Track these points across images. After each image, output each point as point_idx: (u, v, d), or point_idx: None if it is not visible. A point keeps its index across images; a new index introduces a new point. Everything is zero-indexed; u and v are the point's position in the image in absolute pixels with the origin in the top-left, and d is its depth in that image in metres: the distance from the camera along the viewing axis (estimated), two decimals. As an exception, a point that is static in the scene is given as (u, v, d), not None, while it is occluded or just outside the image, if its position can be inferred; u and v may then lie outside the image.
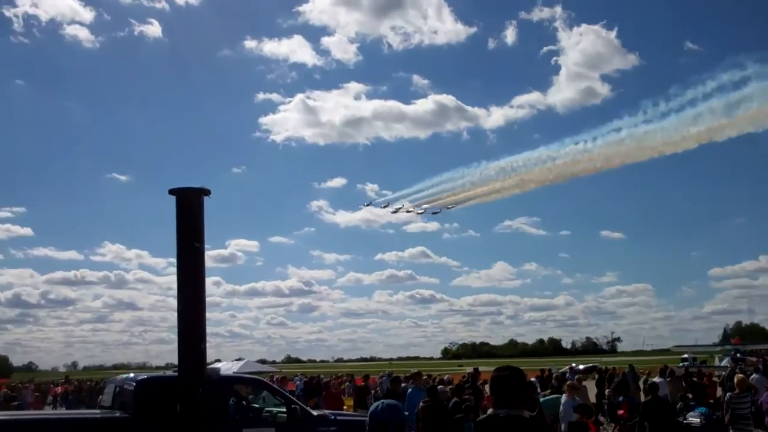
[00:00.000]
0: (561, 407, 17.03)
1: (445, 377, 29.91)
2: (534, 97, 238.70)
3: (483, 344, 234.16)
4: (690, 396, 20.61)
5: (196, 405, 6.19)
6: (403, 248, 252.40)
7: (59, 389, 50.66)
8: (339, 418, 15.21)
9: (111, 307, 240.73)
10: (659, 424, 14.53)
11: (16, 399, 34.76)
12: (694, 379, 28.90)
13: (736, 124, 38.56)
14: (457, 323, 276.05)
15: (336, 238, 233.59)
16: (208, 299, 6.69)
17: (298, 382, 40.27)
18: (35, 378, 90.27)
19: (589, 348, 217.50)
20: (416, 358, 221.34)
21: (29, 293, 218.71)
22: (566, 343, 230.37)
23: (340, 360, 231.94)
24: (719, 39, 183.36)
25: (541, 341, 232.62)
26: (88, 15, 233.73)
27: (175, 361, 6.97)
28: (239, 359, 61.58)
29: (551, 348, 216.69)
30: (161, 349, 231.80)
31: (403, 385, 21.83)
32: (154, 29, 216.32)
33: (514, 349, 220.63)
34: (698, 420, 17.36)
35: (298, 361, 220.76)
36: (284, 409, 14.04)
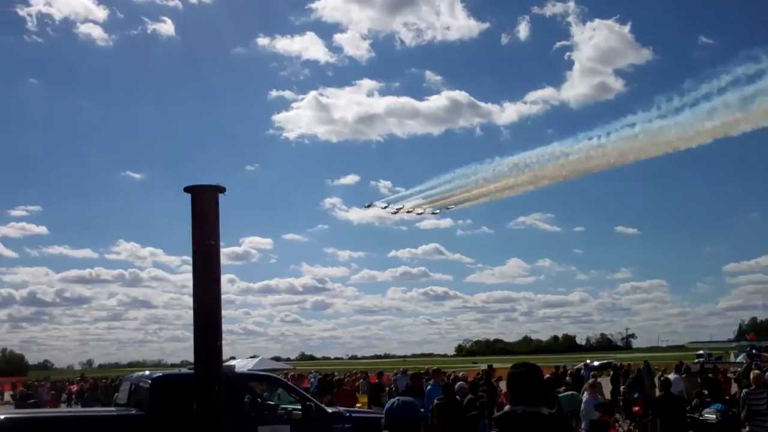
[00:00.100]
0: (582, 405, 17.02)
1: (460, 374, 29.89)
2: (547, 92, 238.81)
3: (497, 341, 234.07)
4: (706, 392, 20.52)
5: (213, 402, 6.18)
6: (416, 245, 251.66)
7: (75, 387, 50.88)
8: (354, 415, 15.22)
9: (126, 305, 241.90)
10: (671, 421, 14.47)
11: (32, 397, 34.90)
12: (710, 375, 28.78)
13: (751, 118, 38.29)
14: (471, 320, 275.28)
15: (349, 235, 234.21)
16: (222, 297, 6.69)
17: (312, 380, 40.30)
18: (51, 376, 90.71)
19: (604, 344, 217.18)
20: (430, 355, 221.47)
21: (44, 291, 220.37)
22: (581, 340, 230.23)
23: (354, 357, 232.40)
24: (733, 33, 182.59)
25: (555, 338, 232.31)
26: (101, 13, 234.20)
27: (190, 358, 6.99)
28: (253, 357, 61.89)
29: (565, 344, 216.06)
30: (176, 347, 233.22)
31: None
32: (167, 27, 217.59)
33: (528, 345, 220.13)
34: (714, 416, 17.29)
35: (312, 358, 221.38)
36: (299, 407, 14.06)
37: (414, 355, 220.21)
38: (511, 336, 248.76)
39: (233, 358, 55.03)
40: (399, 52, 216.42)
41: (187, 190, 6.42)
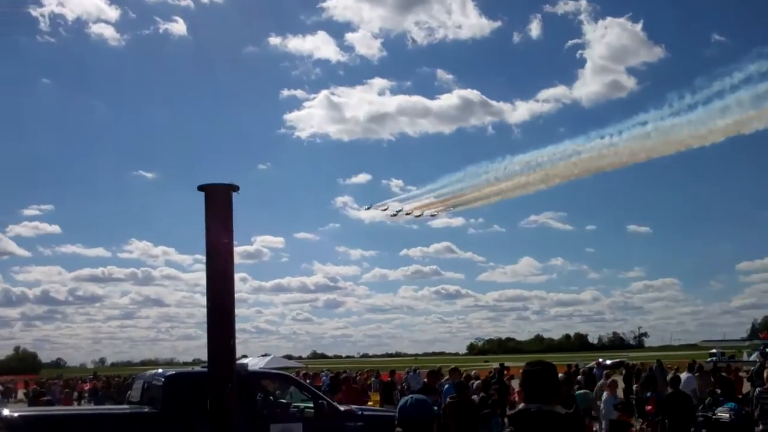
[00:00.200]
0: (602, 404, 17.02)
1: (472, 373, 29.89)
2: (559, 91, 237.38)
3: (509, 340, 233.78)
4: (719, 391, 20.45)
5: (226, 400, 6.20)
6: (428, 244, 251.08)
7: (87, 385, 51.08)
8: (366, 413, 15.25)
9: (138, 304, 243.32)
10: (680, 419, 14.45)
11: (46, 394, 35.05)
12: (723, 374, 28.67)
13: (764, 116, 38.19)
14: (483, 319, 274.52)
15: (361, 233, 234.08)
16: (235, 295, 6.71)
17: (324, 378, 40.39)
18: (64, 374, 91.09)
19: (616, 343, 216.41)
20: (441, 353, 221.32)
21: (57, 290, 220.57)
22: (593, 339, 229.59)
23: (365, 355, 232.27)
24: (746, 30, 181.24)
25: (567, 336, 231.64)
26: (113, 13, 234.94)
27: (202, 357, 7.02)
28: (265, 355, 61.96)
29: (577, 343, 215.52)
30: (188, 345, 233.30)
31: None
32: (179, 27, 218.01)
33: (540, 344, 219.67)
34: (727, 415, 17.23)
35: (323, 356, 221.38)
36: (311, 405, 14.09)
37: (425, 354, 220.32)
38: (523, 335, 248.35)
39: (245, 356, 55.09)
40: (410, 50, 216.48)
41: (200, 188, 6.44)
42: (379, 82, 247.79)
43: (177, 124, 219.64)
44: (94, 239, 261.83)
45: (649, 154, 46.71)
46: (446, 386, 18.81)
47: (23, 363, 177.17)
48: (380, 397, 28.32)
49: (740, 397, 21.05)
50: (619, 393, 20.03)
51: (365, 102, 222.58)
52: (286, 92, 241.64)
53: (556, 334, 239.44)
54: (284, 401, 15.58)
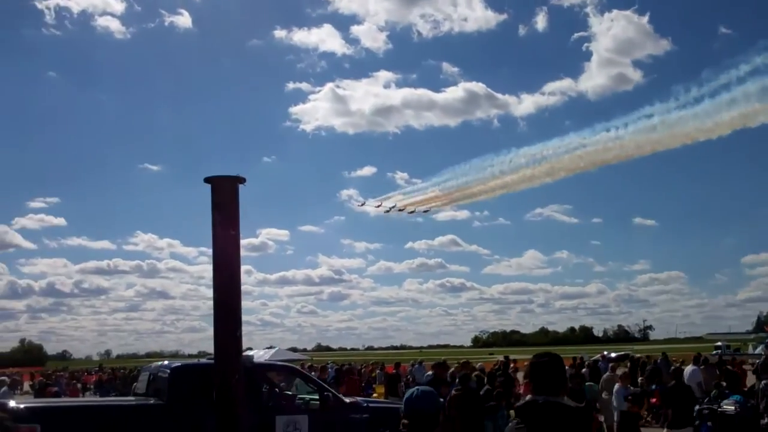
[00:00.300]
0: (614, 395, 17.06)
1: (477, 365, 29.89)
2: (565, 83, 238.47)
3: (514, 332, 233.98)
4: (724, 384, 20.42)
5: (233, 392, 6.21)
6: (433, 237, 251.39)
7: (93, 377, 51.20)
8: (371, 405, 15.28)
9: (143, 296, 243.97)
10: (682, 410, 14.45)
11: (53, 385, 35.13)
12: (729, 367, 28.62)
13: (770, 109, 38.06)
14: (488, 311, 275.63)
15: (366, 226, 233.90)
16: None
17: (330, 370, 40.45)
18: (69, 366, 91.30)
19: (621, 336, 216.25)
20: (446, 346, 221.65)
21: (63, 282, 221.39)
22: (598, 331, 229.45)
23: (370, 348, 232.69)
24: (753, 23, 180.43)
25: (572, 329, 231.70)
26: (119, 6, 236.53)
27: (208, 349, 7.03)
28: (270, 347, 62.04)
29: (582, 336, 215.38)
30: (193, 338, 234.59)
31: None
32: (184, 20, 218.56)
33: (545, 337, 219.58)
34: (733, 408, 17.18)
35: (328, 349, 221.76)
36: (317, 397, 14.11)
37: (430, 346, 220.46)
38: (528, 327, 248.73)
39: (250, 348, 55.12)
40: (416, 43, 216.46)
41: (207, 180, 6.44)
42: (384, 75, 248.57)
43: (182, 117, 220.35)
44: (100, 232, 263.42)
45: (654, 147, 46.65)
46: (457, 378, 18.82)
47: (29, 355, 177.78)
48: (385, 390, 28.37)
49: (745, 390, 21.02)
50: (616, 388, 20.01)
51: (371, 95, 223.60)
52: (291, 85, 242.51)
53: (561, 327, 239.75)
54: (290, 393, 15.62)
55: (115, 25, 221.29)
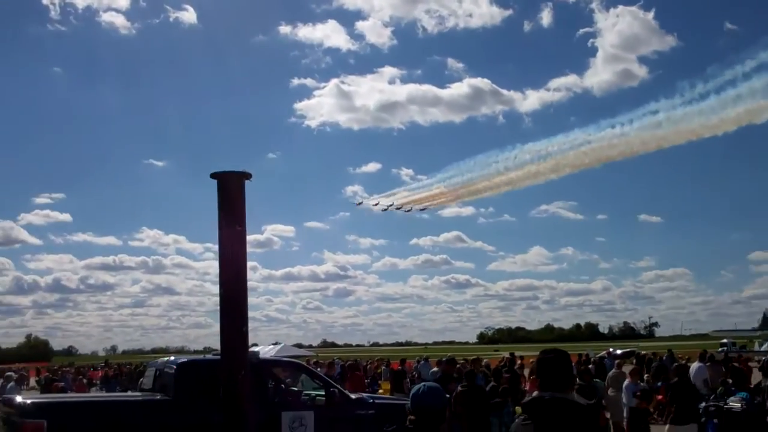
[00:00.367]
0: (623, 391, 17.06)
1: (483, 362, 29.89)
2: (570, 79, 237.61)
3: (519, 329, 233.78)
4: (730, 381, 20.40)
5: (239, 388, 6.23)
6: (438, 233, 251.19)
7: (99, 373, 51.33)
8: (377, 401, 15.28)
9: (149, 292, 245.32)
10: (685, 407, 14.45)
11: (59, 381, 35.21)
12: (735, 364, 28.61)
13: (776, 105, 37.96)
14: (493, 308, 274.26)
15: (371, 222, 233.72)
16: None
17: (337, 367, 40.49)
18: (75, 362, 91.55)
19: (627, 333, 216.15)
20: (452, 342, 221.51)
21: (69, 278, 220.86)
22: (603, 328, 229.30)
23: (375, 344, 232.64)
24: (758, 19, 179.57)
25: (577, 326, 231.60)
26: (123, 2, 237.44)
27: (213, 345, 7.06)
28: (276, 343, 62.06)
29: (588, 333, 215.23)
30: (199, 333, 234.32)
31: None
32: (189, 15, 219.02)
33: (550, 334, 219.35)
34: (739, 405, 17.18)
35: (333, 345, 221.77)
36: (323, 392, 14.12)
37: (435, 343, 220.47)
38: (533, 324, 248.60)
39: (255, 344, 55.15)
40: (421, 39, 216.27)
41: (213, 176, 6.44)
42: (389, 71, 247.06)
43: (187, 112, 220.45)
44: (105, 228, 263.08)
45: (660, 143, 46.53)
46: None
47: (35, 351, 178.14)
48: (390, 386, 28.40)
49: (751, 387, 21.00)
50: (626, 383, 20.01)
51: (375, 91, 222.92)
52: (296, 81, 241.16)
53: (566, 324, 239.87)
54: (295, 389, 15.63)
55: (120, 20, 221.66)
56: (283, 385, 15.38)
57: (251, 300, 6.58)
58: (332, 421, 13.65)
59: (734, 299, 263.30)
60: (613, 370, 20.78)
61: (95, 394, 29.10)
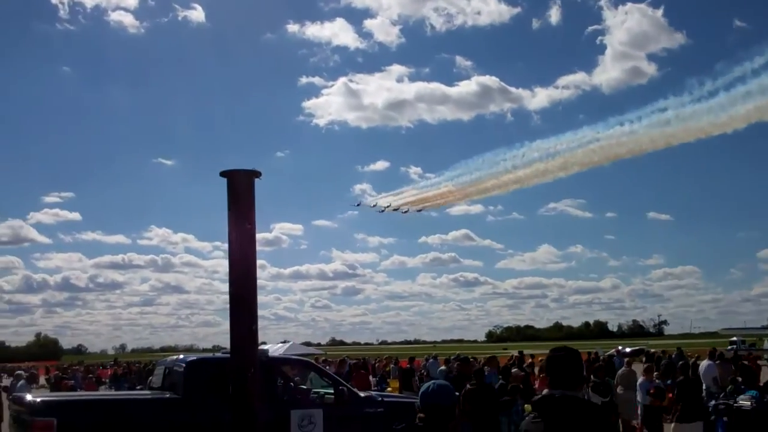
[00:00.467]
0: (637, 388, 17.06)
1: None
2: (579, 77, 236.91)
3: (528, 327, 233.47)
4: (740, 379, 20.35)
5: (248, 386, 6.23)
6: (446, 231, 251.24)
7: (108, 371, 51.46)
8: (386, 399, 15.28)
9: (158, 291, 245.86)
10: (690, 405, 14.44)
11: (69, 379, 35.35)
12: (744, 362, 28.53)
13: (786, 102, 37.81)
14: (502, 306, 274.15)
15: (379, 221, 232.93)
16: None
17: (348, 365, 40.55)
18: (85, 360, 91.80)
19: (636, 331, 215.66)
20: (460, 341, 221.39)
21: (78, 277, 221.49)
22: (612, 326, 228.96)
23: (384, 342, 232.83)
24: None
25: (586, 324, 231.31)
26: (132, 1, 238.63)
27: (222, 343, 7.08)
28: (285, 342, 62.06)
29: (597, 331, 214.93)
30: (208, 332, 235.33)
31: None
32: (197, 14, 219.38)
33: (559, 332, 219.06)
34: (749, 403, 17.14)
35: (342, 343, 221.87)
36: (332, 391, 14.12)
37: (444, 341, 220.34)
38: (542, 322, 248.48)
39: (264, 343, 54.96)
40: (429, 37, 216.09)
41: (223, 174, 6.45)
42: (397, 69, 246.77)
43: (196, 111, 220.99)
44: (114, 226, 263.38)
45: (669, 141, 46.37)
46: (485, 374, 18.87)
47: (44, 349, 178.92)
48: (399, 384, 28.42)
49: (761, 385, 20.93)
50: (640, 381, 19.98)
51: (384, 89, 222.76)
52: (304, 79, 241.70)
53: (575, 322, 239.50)
54: (304, 387, 15.64)
55: (128, 19, 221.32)
56: (292, 384, 15.40)
57: (260, 298, 6.59)
58: (341, 420, 13.65)
59: (743, 297, 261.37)
60: (623, 368, 20.74)
61: (105, 393, 29.18)
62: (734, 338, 79.68)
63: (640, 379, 17.18)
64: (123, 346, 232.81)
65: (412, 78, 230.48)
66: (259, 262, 6.46)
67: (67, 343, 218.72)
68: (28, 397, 13.79)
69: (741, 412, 16.86)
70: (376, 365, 45.08)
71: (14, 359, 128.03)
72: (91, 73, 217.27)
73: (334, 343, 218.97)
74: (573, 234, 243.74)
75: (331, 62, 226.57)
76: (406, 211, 66.59)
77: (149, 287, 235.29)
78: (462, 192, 60.80)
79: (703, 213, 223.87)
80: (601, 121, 49.37)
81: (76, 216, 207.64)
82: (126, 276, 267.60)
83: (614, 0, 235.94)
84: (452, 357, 36.67)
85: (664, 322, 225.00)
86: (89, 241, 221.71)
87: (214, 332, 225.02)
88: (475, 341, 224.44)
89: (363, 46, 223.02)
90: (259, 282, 6.58)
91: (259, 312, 6.53)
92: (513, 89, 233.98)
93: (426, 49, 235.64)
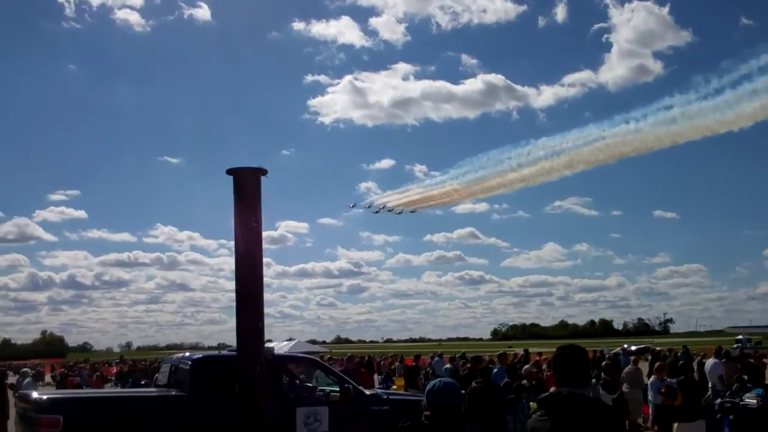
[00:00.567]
0: (649, 387, 17.04)
1: (495, 359, 29.84)
2: (585, 75, 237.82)
3: (533, 325, 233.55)
4: (746, 377, 20.31)
5: (255, 383, 6.23)
6: (451, 229, 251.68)
7: (114, 369, 51.52)
8: (392, 397, 15.29)
9: (164, 288, 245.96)
10: (691, 404, 14.42)
11: (75, 376, 35.39)
12: (750, 360, 28.47)
13: (793, 100, 37.68)
14: (507, 304, 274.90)
15: (384, 219, 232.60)
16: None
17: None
18: (90, 358, 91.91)
19: (641, 329, 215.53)
20: (465, 339, 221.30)
21: (84, 275, 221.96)
22: (618, 325, 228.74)
23: (389, 340, 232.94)
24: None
25: (592, 322, 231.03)
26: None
27: (227, 341, 7.08)
28: (290, 339, 62.13)
29: (602, 329, 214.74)
30: (213, 330, 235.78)
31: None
32: (203, 12, 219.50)
33: (564, 330, 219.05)
34: (755, 401, 17.12)
35: (347, 341, 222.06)
36: (337, 388, 14.13)
37: (449, 339, 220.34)
38: (548, 320, 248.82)
39: (269, 340, 55.00)
40: (435, 35, 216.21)
41: (229, 172, 6.45)
42: (403, 67, 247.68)
43: (201, 109, 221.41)
44: (120, 224, 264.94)
45: (675, 139, 46.20)
46: (495, 370, 18.89)
47: (50, 347, 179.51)
48: (405, 382, 28.43)
49: (766, 383, 20.89)
50: (645, 379, 19.94)
51: (389, 87, 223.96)
52: (309, 77, 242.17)
53: (580, 320, 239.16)
54: (310, 385, 15.66)
55: (134, 17, 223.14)
56: (297, 381, 15.43)
57: (265, 296, 6.59)
58: (347, 417, 13.67)
59: (749, 295, 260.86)
60: (629, 366, 20.69)
61: (111, 390, 29.24)
62: (740, 336, 79.67)
63: (652, 378, 17.15)
64: (129, 344, 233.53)
65: (418, 76, 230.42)
66: (264, 259, 6.46)
67: (72, 340, 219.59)
68: (35, 394, 13.82)
69: (747, 410, 16.84)
70: (382, 363, 45.10)
71: (20, 357, 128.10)
72: (97, 71, 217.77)
73: (339, 340, 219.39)
74: (579, 232, 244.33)
75: (336, 60, 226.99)
76: (400, 212, 66.50)
77: (155, 285, 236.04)
78: (467, 190, 60.66)
79: (708, 211, 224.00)
80: (607, 119, 49.22)
81: (81, 214, 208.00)
82: (132, 274, 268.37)
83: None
84: (457, 355, 36.68)
85: (670, 321, 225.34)
86: (95, 239, 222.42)
87: (220, 330, 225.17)
88: (481, 339, 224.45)
89: (368, 44, 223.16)
90: (264, 280, 6.58)
91: (265, 310, 6.52)
92: (519, 87, 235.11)
93: (432, 48, 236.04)
